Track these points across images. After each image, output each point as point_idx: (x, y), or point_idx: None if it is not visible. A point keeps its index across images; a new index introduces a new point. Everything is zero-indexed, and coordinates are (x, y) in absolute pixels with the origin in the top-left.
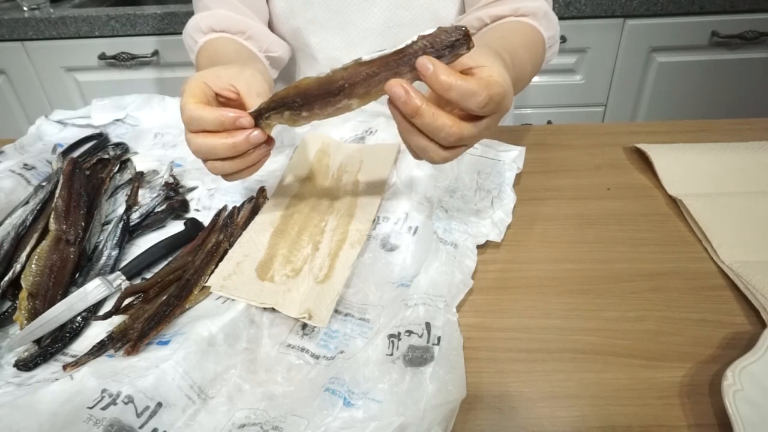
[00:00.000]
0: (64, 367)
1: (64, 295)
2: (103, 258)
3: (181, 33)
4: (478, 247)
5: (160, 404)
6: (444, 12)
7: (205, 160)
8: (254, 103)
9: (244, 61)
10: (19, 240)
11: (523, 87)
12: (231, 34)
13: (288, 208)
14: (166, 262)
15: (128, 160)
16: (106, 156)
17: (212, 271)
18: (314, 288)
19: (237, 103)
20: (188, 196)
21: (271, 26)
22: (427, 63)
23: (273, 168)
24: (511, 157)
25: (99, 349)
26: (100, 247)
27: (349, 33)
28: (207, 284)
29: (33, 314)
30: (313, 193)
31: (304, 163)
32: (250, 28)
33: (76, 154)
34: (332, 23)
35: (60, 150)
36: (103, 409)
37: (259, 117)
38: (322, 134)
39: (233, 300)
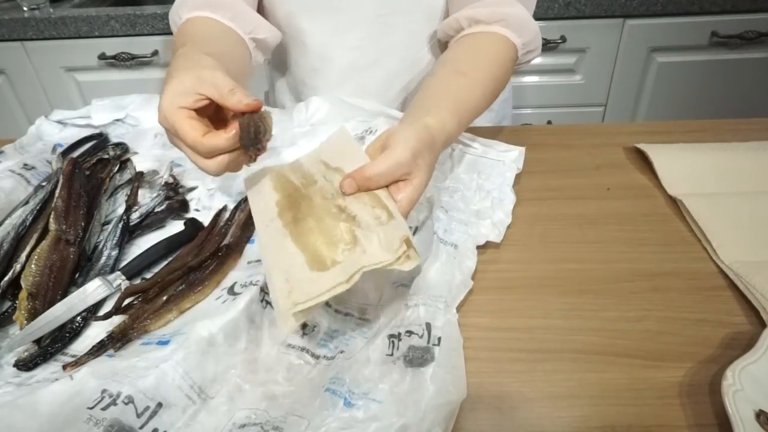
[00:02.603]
0: (64, 367)
1: (64, 295)
2: (103, 258)
3: None
4: (478, 247)
5: (160, 404)
6: (435, 2)
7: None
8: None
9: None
10: (19, 240)
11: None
12: (216, 12)
13: (288, 234)
14: (166, 262)
15: (128, 160)
16: (106, 156)
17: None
18: (384, 228)
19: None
20: (188, 196)
21: (264, 11)
22: (351, 183)
23: None
24: (511, 158)
25: (99, 349)
26: (100, 247)
27: (340, 19)
28: (281, 318)
29: (33, 314)
30: (308, 214)
31: (270, 204)
32: (236, 8)
33: (76, 154)
34: (324, 8)
35: (60, 150)
36: (103, 409)
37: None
38: (264, 169)
39: (233, 299)
